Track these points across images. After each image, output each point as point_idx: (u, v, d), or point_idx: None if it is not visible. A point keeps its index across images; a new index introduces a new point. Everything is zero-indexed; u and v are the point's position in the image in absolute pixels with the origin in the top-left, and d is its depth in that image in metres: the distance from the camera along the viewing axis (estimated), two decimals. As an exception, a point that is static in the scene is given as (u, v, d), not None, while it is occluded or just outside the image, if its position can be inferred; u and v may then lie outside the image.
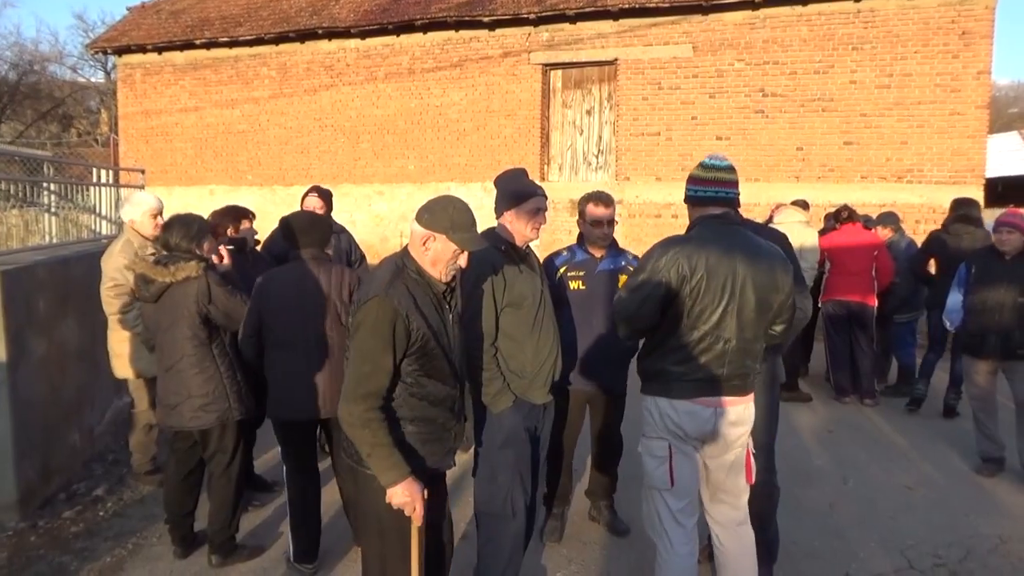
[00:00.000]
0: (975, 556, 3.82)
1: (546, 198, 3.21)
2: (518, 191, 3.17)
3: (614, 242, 3.89)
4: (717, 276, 2.71)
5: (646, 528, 3.03)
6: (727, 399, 2.82)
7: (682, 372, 2.79)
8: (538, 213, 3.15)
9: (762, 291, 2.77)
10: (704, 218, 2.86)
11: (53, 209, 5.94)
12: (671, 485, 2.86)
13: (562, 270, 3.74)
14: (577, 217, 3.89)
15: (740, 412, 2.87)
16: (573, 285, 3.71)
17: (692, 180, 2.93)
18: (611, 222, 3.79)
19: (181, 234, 3.56)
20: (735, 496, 2.97)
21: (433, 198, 2.58)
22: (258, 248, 4.72)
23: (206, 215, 4.34)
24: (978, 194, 9.96)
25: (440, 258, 2.49)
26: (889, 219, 6.98)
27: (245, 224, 4.39)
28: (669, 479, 2.86)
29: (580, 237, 3.88)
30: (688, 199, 2.96)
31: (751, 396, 2.91)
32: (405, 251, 2.55)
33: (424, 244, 2.47)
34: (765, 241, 2.93)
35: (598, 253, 3.79)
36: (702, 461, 2.92)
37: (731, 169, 2.89)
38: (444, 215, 2.47)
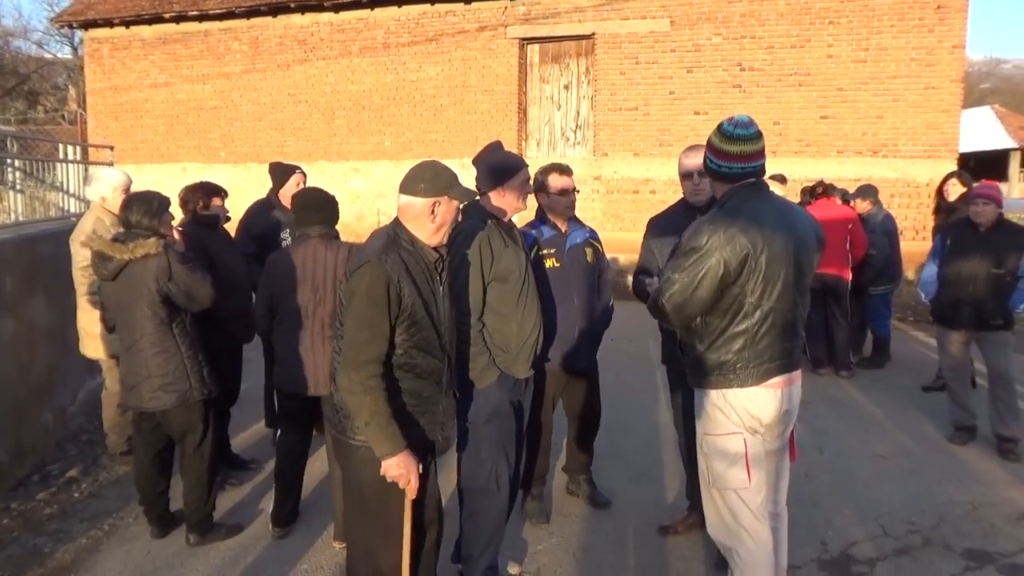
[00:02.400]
0: (948, 522, 3.89)
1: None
2: (506, 166, 3.15)
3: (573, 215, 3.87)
4: (775, 247, 2.52)
5: (717, 536, 2.79)
6: (793, 375, 2.69)
7: (752, 356, 2.58)
8: (527, 184, 3.17)
9: (808, 255, 2.65)
10: (740, 188, 2.62)
11: (18, 186, 5.79)
12: (749, 482, 2.65)
13: (534, 249, 3.70)
14: (535, 191, 3.78)
15: (799, 386, 2.75)
16: (549, 264, 3.67)
17: (716, 152, 2.64)
18: (574, 190, 3.77)
19: (142, 211, 3.49)
20: (784, 479, 2.86)
21: (412, 168, 2.58)
22: (227, 227, 4.63)
23: (178, 193, 4.26)
24: (952, 168, 10.04)
25: (446, 219, 2.53)
26: (868, 192, 7.02)
27: (216, 202, 4.30)
28: (747, 476, 2.64)
29: (539, 212, 3.83)
30: (711, 173, 2.71)
31: (800, 372, 2.78)
32: (396, 222, 2.55)
33: (432, 212, 2.48)
34: (792, 202, 2.86)
35: (563, 227, 3.77)
36: (766, 447, 2.71)
37: (757, 137, 2.60)
38: (439, 178, 2.50)
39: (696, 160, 3.27)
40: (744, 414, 2.62)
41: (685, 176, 3.43)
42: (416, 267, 2.47)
